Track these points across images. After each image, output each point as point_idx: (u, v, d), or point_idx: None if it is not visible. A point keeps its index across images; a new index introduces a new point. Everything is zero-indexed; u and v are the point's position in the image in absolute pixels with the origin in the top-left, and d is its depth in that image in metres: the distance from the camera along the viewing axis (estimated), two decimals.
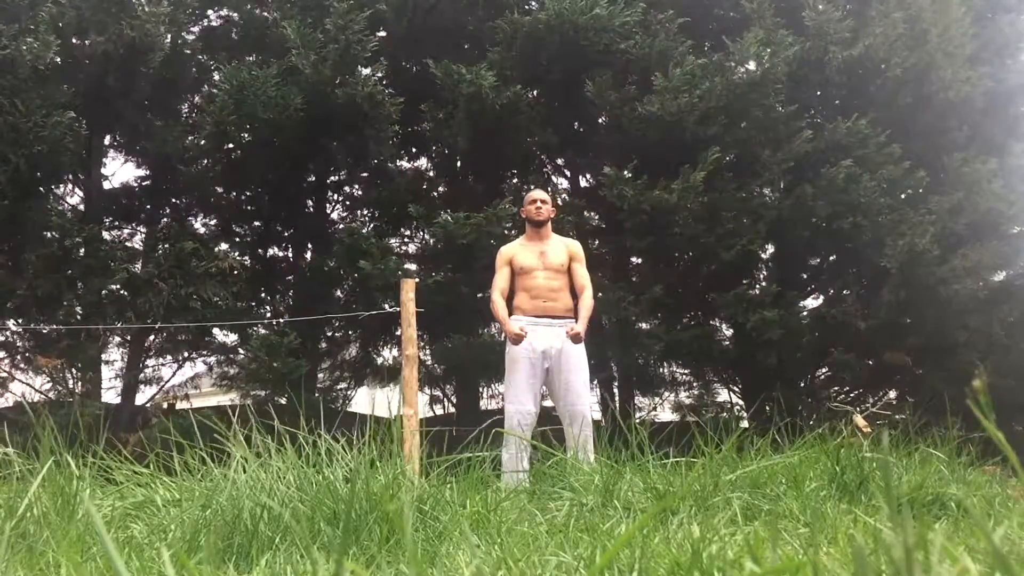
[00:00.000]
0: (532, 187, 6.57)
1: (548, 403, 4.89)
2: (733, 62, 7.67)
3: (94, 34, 7.30)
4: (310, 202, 9.27)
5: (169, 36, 7.73)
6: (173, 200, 8.98)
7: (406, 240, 9.33)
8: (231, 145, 8.10)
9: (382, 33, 8.07)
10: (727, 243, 7.68)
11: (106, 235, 8.47)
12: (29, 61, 6.87)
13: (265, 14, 8.81)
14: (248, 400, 7.93)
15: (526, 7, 8.03)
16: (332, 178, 9.30)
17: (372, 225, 8.99)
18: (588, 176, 9.54)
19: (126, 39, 7.21)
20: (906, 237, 7.34)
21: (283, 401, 7.57)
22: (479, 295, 8.59)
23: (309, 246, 9.30)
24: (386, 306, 7.60)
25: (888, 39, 7.87)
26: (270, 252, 9.44)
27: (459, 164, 8.89)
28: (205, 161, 8.34)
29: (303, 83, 7.53)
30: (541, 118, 8.10)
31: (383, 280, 7.40)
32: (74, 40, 7.51)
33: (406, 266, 8.19)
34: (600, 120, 8.63)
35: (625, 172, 7.61)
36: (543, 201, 4.85)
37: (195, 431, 2.20)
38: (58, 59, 7.36)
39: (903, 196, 7.83)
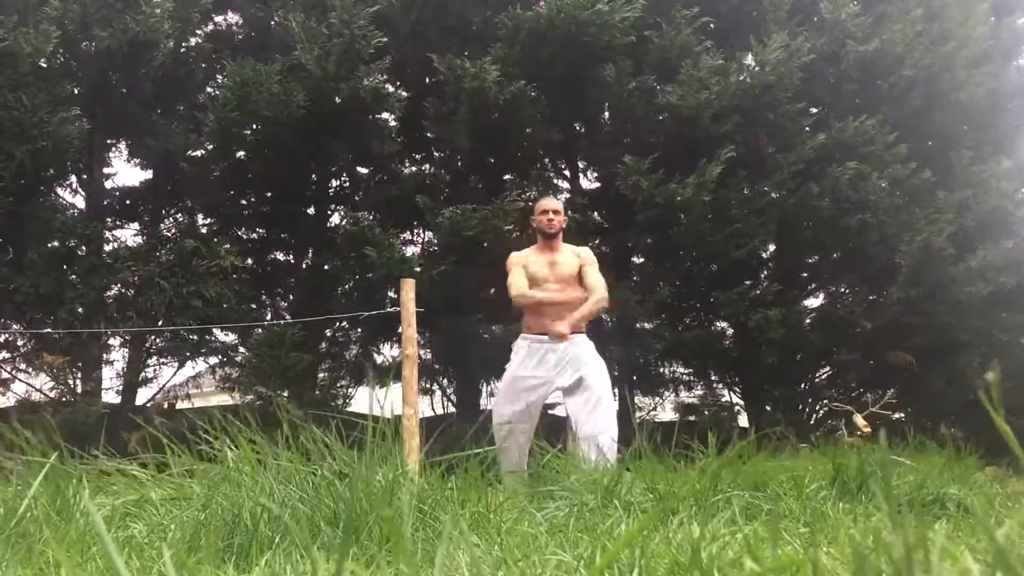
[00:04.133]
0: (532, 192, 6.46)
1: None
2: (754, 62, 7.68)
3: (98, 29, 7.30)
4: (312, 201, 9.27)
5: (174, 35, 7.73)
6: (175, 199, 8.98)
7: (408, 240, 9.33)
8: (234, 145, 8.11)
9: (382, 27, 8.05)
10: (736, 242, 7.67)
11: (108, 234, 8.48)
12: (29, 54, 6.87)
13: (269, 12, 8.81)
14: (249, 397, 7.94)
15: (531, 3, 8.00)
16: (334, 178, 9.31)
17: (375, 216, 8.99)
18: (591, 174, 9.55)
19: (131, 35, 7.21)
20: (923, 235, 7.33)
21: (285, 395, 7.58)
22: (481, 294, 8.59)
23: (311, 246, 9.30)
24: (387, 305, 7.60)
25: (906, 36, 7.86)
26: (272, 252, 9.44)
27: (461, 161, 8.89)
28: (207, 159, 8.35)
29: (306, 79, 7.53)
30: (544, 114, 8.10)
31: (387, 270, 7.41)
32: (79, 37, 7.51)
33: (410, 257, 8.17)
34: (603, 116, 8.63)
35: (644, 164, 7.58)
36: (555, 211, 4.66)
37: (192, 431, 2.20)
38: (61, 54, 7.36)
39: (908, 194, 7.82)
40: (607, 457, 3.77)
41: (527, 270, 4.55)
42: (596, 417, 4.17)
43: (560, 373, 4.37)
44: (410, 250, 9.07)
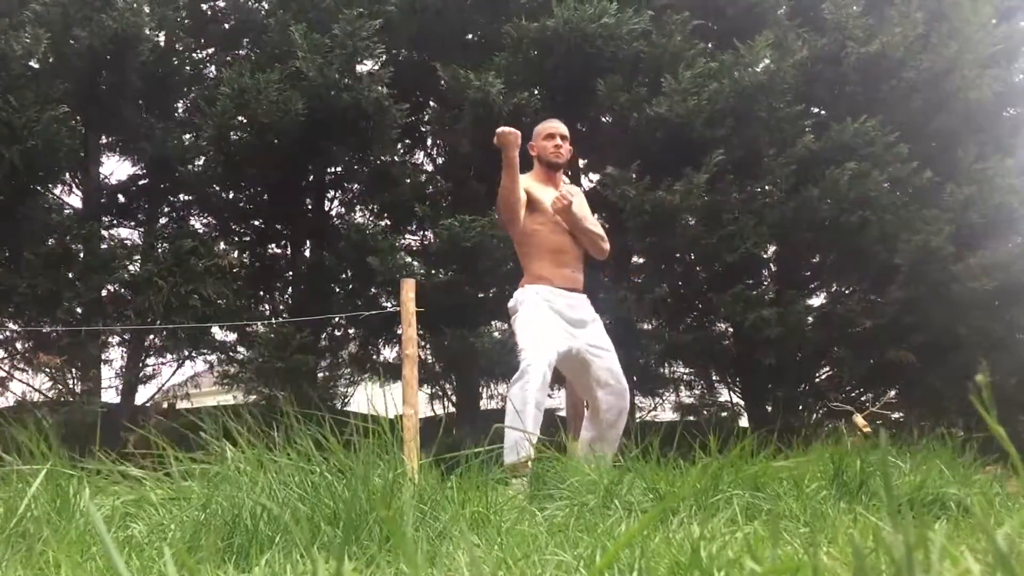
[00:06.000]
0: None
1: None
2: (743, 64, 7.67)
3: (78, 29, 7.30)
4: (310, 201, 9.28)
5: (163, 33, 7.73)
6: (172, 199, 8.98)
7: (407, 238, 9.34)
8: (232, 149, 8.11)
9: (378, 21, 8.06)
10: (731, 244, 7.68)
11: (105, 234, 8.47)
12: (20, 57, 6.86)
13: (259, 6, 8.81)
14: (251, 397, 7.95)
15: (537, 13, 7.98)
16: (332, 177, 9.30)
17: (376, 224, 9.00)
18: (591, 176, 9.54)
19: (109, 32, 7.20)
20: (921, 234, 7.33)
21: (282, 395, 7.58)
22: (480, 295, 8.59)
23: (308, 244, 9.30)
24: (388, 305, 7.61)
25: (907, 39, 7.86)
26: (270, 250, 9.45)
27: (462, 166, 8.89)
28: (204, 161, 8.35)
29: (305, 88, 7.53)
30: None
31: (389, 276, 7.42)
32: (68, 40, 7.50)
33: (412, 263, 8.18)
34: (604, 120, 8.63)
35: (631, 174, 7.58)
36: (564, 137, 3.87)
37: (192, 431, 2.20)
38: (50, 57, 7.36)
39: (907, 194, 7.81)
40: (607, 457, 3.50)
41: (532, 195, 3.79)
42: (619, 429, 3.71)
43: (580, 339, 3.69)
44: (410, 241, 9.10)
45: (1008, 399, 7.30)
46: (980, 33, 8.02)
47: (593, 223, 3.91)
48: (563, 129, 3.90)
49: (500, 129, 3.66)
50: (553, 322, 3.63)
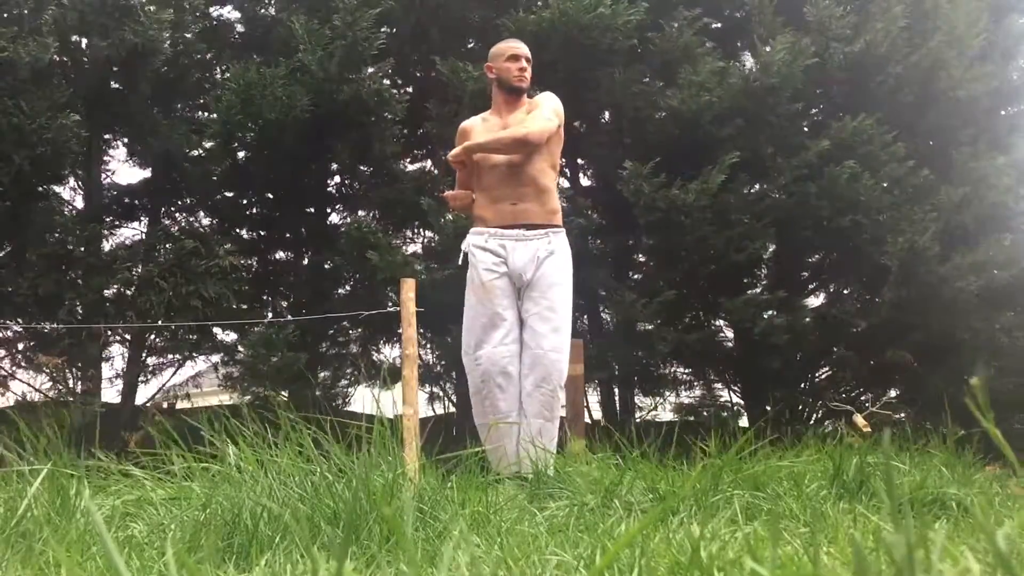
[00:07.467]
0: None
1: None
2: (757, 65, 7.67)
3: (97, 38, 7.31)
4: (312, 201, 9.28)
5: (171, 38, 7.75)
6: (175, 199, 8.99)
7: (410, 239, 9.34)
8: (235, 144, 8.13)
9: (385, 29, 8.10)
10: (736, 245, 7.66)
11: (107, 234, 8.48)
12: (28, 63, 6.87)
13: (268, 12, 8.83)
14: (247, 397, 7.95)
15: (534, 5, 8.00)
16: (335, 177, 9.32)
17: (377, 222, 9.00)
18: (589, 172, 9.55)
19: (128, 44, 7.21)
20: (906, 235, 7.33)
21: (284, 396, 7.59)
22: None
23: (311, 246, 9.31)
24: (388, 305, 7.61)
25: (889, 35, 7.85)
26: (272, 251, 9.45)
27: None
28: (208, 160, 8.36)
29: (308, 82, 7.54)
30: None
31: (390, 273, 7.42)
32: (77, 39, 7.51)
33: (412, 263, 8.18)
34: (604, 116, 8.63)
35: (646, 168, 7.58)
36: (528, 60, 3.59)
37: (192, 431, 2.20)
38: (58, 57, 7.36)
39: (906, 193, 7.80)
40: (543, 443, 3.13)
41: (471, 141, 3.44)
42: (536, 403, 3.26)
43: (523, 276, 3.29)
44: (411, 248, 9.09)
45: (1008, 400, 7.28)
46: (969, 27, 7.99)
47: (534, 114, 3.43)
48: (527, 51, 3.60)
49: (447, 193, 3.51)
50: (488, 300, 3.27)
